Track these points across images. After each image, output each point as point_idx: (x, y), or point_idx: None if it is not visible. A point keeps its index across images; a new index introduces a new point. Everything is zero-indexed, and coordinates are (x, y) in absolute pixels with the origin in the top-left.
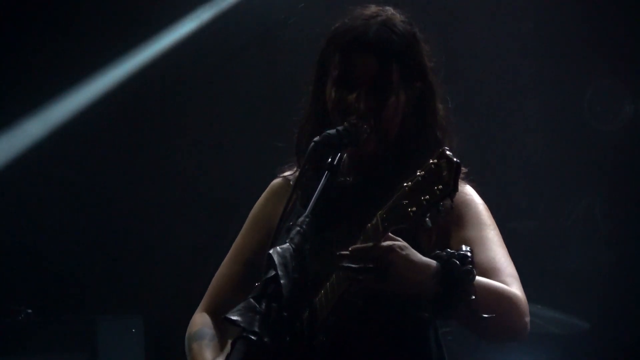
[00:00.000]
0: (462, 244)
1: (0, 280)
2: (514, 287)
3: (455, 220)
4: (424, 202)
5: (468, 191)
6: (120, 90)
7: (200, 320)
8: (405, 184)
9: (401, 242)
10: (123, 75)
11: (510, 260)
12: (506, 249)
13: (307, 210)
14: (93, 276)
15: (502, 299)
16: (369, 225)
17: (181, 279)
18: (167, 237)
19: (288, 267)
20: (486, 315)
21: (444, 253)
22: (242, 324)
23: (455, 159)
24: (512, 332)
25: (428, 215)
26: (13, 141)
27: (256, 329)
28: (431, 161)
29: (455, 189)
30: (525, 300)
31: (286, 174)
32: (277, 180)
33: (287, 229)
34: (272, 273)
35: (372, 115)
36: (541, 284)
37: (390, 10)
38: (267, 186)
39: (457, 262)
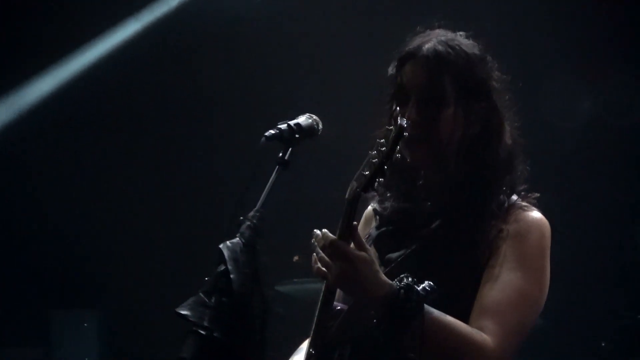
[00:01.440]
0: (488, 272)
1: None
2: (490, 335)
3: (501, 243)
4: (374, 163)
5: (530, 219)
6: (76, 86)
7: (306, 341)
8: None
9: (363, 256)
10: (75, 72)
11: (520, 309)
12: (526, 297)
13: (258, 205)
14: (47, 271)
15: (461, 342)
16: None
17: (136, 274)
18: (122, 232)
19: (238, 262)
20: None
21: (402, 281)
22: (192, 319)
23: (399, 123)
24: None
25: (377, 179)
26: None
27: (206, 324)
28: (387, 127)
29: (390, 154)
30: (501, 353)
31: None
32: (368, 209)
33: (238, 223)
34: (222, 267)
35: (424, 125)
36: None
37: (458, 33)
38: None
39: (403, 293)
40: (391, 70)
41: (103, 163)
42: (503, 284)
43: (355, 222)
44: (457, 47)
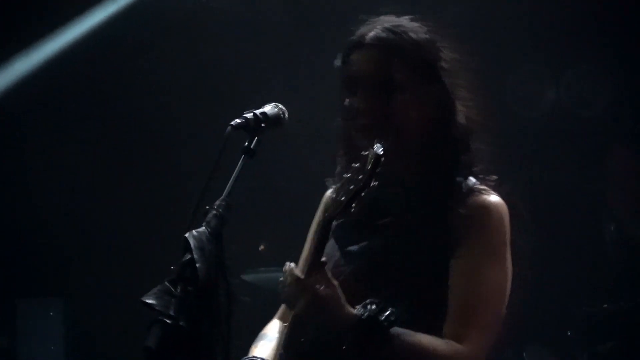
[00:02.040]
0: (454, 268)
1: None
2: (464, 341)
3: (463, 232)
4: (350, 190)
5: (488, 204)
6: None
7: (269, 325)
8: (344, 175)
9: (328, 293)
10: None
11: (491, 303)
12: (495, 289)
13: (224, 194)
14: (12, 259)
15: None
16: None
17: (102, 262)
18: (87, 220)
19: (204, 251)
20: None
21: (367, 309)
22: (157, 307)
23: (376, 152)
24: None
25: (353, 203)
26: None
27: (172, 313)
28: (363, 152)
29: (367, 182)
30: (474, 357)
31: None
32: (328, 191)
33: (204, 212)
34: (188, 257)
35: (374, 113)
36: None
37: (405, 18)
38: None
39: (367, 325)
40: (338, 62)
41: (66, 152)
42: (472, 282)
43: (324, 259)
44: (401, 32)
